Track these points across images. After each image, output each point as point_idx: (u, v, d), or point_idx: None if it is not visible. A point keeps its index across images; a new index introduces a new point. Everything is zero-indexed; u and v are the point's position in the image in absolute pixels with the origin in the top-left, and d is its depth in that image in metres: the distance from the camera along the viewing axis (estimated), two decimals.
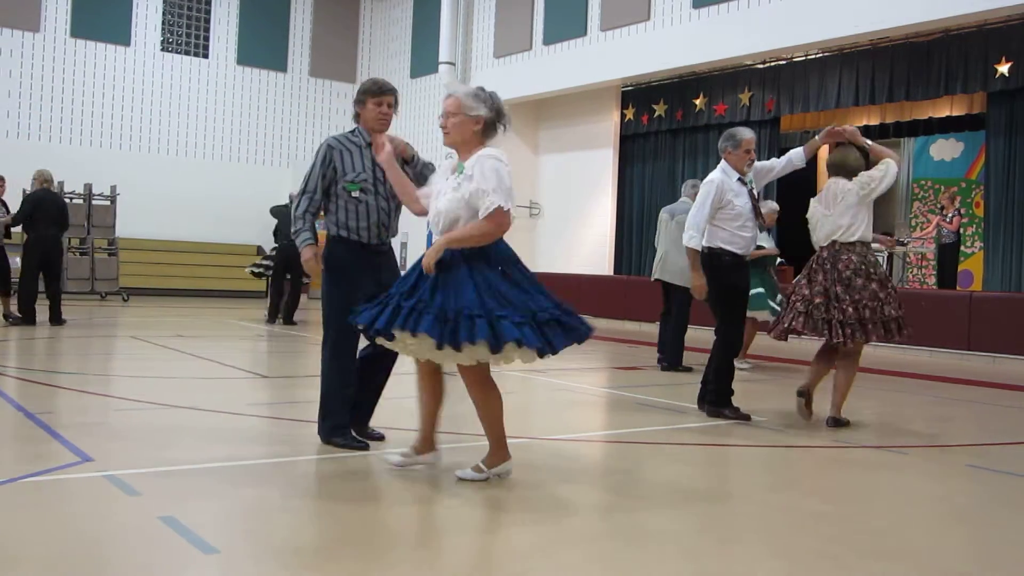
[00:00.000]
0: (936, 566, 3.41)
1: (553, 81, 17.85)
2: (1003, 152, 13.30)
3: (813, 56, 15.03)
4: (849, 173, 6.23)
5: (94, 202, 17.47)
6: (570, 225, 19.14)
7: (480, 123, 4.16)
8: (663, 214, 9.99)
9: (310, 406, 6.39)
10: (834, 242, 6.16)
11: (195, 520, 3.50)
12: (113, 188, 17.78)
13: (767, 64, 15.65)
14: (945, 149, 18.21)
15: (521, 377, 8.96)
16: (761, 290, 9.39)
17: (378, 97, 4.83)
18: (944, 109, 15.93)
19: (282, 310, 13.89)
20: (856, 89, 14.50)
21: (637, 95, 17.89)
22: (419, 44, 21.84)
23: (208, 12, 21.67)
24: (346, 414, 4.91)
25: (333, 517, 3.75)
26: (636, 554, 3.36)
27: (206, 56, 21.72)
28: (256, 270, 15.01)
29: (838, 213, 6.15)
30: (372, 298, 4.31)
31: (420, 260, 4.12)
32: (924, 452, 5.63)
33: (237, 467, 4.50)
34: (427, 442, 4.44)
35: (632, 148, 18.40)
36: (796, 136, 18.40)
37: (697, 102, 16.75)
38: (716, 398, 6.41)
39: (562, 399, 7.62)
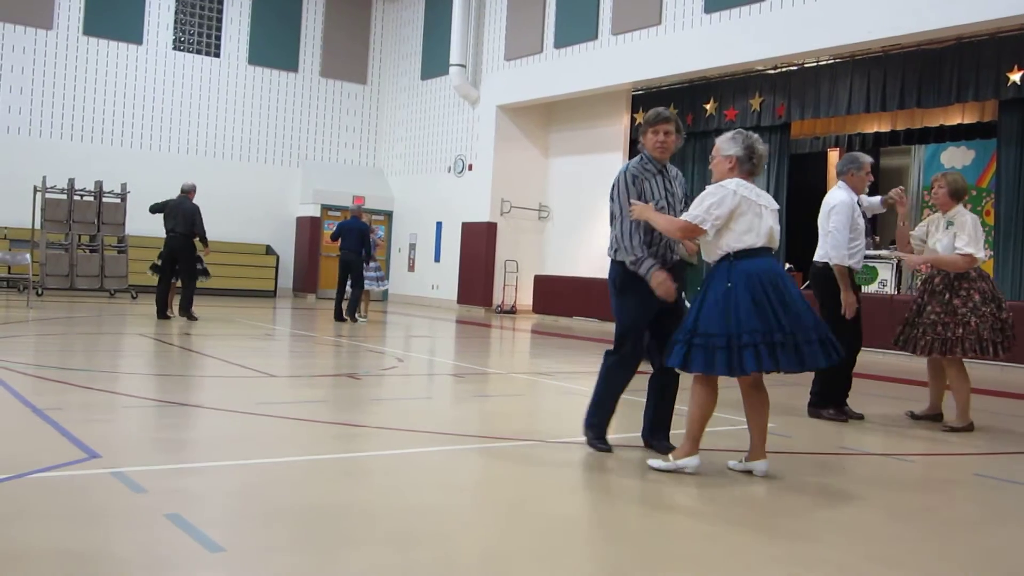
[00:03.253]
0: (939, 575, 3.39)
1: (564, 84, 17.87)
2: (1014, 160, 13.26)
3: (824, 62, 15.02)
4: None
5: (104, 200, 17.53)
6: (579, 228, 19.16)
7: (732, 162, 4.77)
8: None
9: (318, 406, 6.40)
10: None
11: (202, 518, 3.51)
12: (123, 186, 17.84)
13: (778, 70, 15.64)
14: (956, 157, 18.17)
15: (529, 380, 8.97)
16: None
17: (655, 126, 5.14)
18: (955, 117, 15.90)
19: (174, 304, 13.50)
20: (867, 96, 14.48)
21: (647, 99, 17.89)
22: (430, 46, 21.88)
23: (220, 12, 21.73)
24: (606, 419, 5.25)
25: (339, 516, 3.75)
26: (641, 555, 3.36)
27: (218, 55, 21.78)
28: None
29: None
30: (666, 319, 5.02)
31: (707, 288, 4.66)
32: (930, 460, 5.61)
33: (244, 465, 4.50)
34: (756, 451, 4.82)
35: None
36: (806, 142, 18.40)
37: (708, 107, 16.75)
38: (814, 399, 6.89)
39: (570, 403, 7.61)
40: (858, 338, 6.88)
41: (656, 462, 4.75)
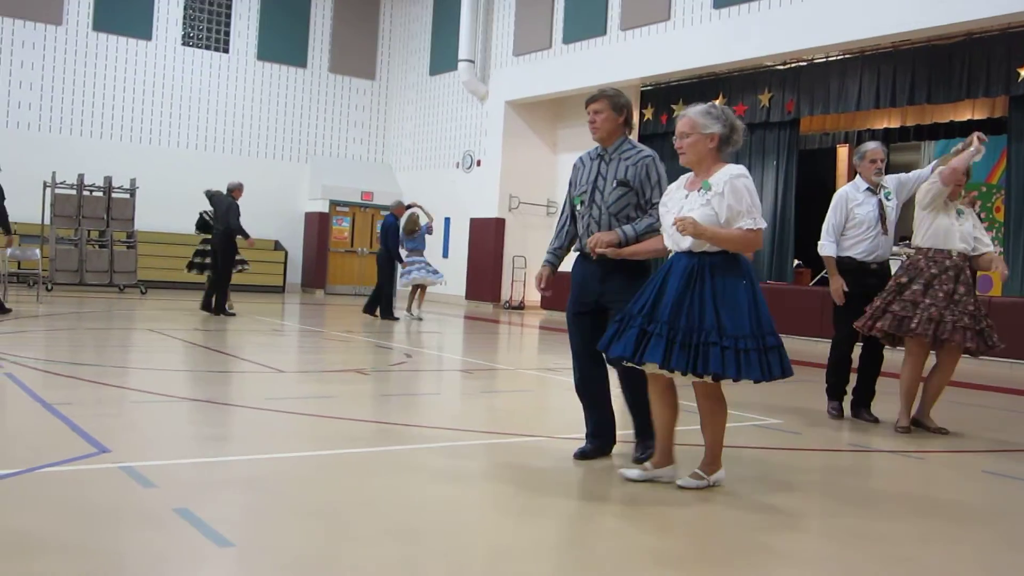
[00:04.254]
0: (948, 572, 3.39)
1: (572, 80, 17.84)
2: None
3: (834, 58, 14.96)
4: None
5: (114, 195, 17.58)
6: None
7: (715, 140, 4.27)
8: None
9: (328, 401, 6.42)
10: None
11: (210, 513, 3.52)
12: (132, 181, 17.89)
13: (787, 65, 15.59)
14: None
15: (537, 376, 8.97)
16: None
17: (586, 107, 4.84)
18: (965, 113, 15.82)
19: (214, 300, 13.53)
20: (877, 91, 14.42)
21: (656, 95, 17.85)
22: (439, 41, 21.87)
23: (229, 7, 21.76)
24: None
25: (347, 511, 3.76)
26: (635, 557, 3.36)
27: (227, 51, 21.81)
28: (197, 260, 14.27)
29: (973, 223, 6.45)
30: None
31: (661, 274, 4.24)
32: (940, 457, 5.60)
33: (253, 461, 4.52)
34: (665, 455, 4.43)
35: (651, 148, 18.29)
36: (816, 138, 18.32)
37: (716, 103, 16.69)
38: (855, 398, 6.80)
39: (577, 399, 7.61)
40: (845, 340, 6.78)
41: (631, 472, 4.44)
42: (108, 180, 17.53)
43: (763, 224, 4.19)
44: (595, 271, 4.74)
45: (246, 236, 13.35)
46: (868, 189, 6.68)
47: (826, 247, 6.68)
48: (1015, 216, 13.32)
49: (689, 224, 4.09)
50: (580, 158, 5.01)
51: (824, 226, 6.73)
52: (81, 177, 17.15)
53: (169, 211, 20.07)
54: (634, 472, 4.43)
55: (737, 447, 5.35)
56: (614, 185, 4.73)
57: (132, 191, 17.77)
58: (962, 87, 13.46)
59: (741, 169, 4.25)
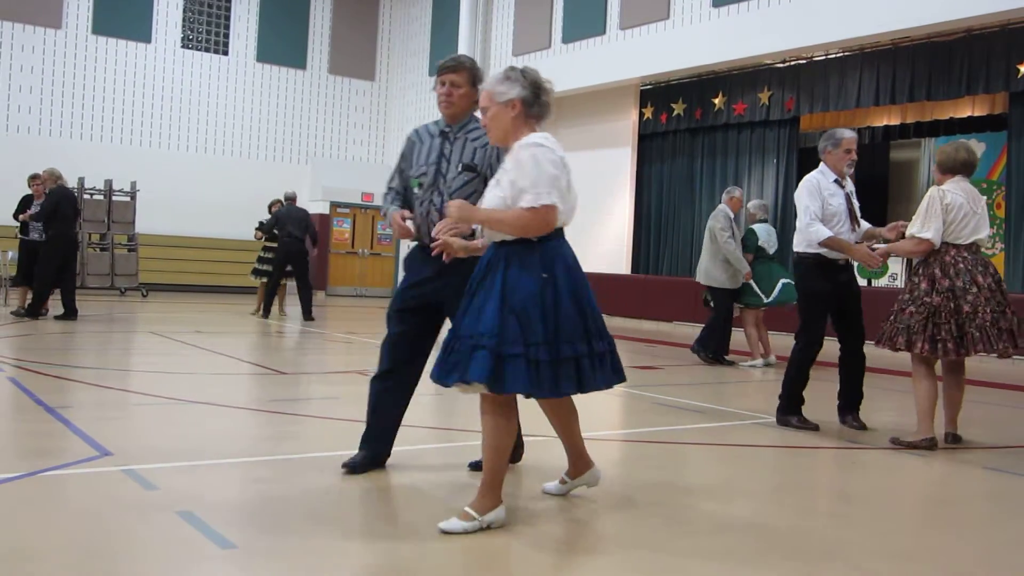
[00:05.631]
0: (951, 569, 3.39)
1: (572, 79, 17.81)
2: None
3: (834, 55, 14.96)
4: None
5: (114, 198, 17.59)
6: (588, 224, 19.10)
7: (516, 107, 3.59)
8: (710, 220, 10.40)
9: (329, 403, 6.42)
10: (975, 244, 5.71)
11: (213, 515, 3.52)
12: (133, 184, 17.89)
13: (787, 63, 15.58)
14: None
15: None
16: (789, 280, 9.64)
17: (440, 76, 4.31)
18: (966, 109, 15.81)
19: (282, 305, 14.38)
20: (877, 89, 14.42)
21: (656, 94, 17.85)
22: (438, 42, 21.86)
23: (228, 9, 21.76)
24: None
25: (351, 512, 3.76)
26: (639, 554, 3.36)
27: (226, 53, 21.80)
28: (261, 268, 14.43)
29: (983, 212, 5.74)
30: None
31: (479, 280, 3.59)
32: (942, 454, 5.59)
33: (255, 463, 4.52)
34: (580, 462, 4.05)
35: (650, 147, 18.37)
36: (816, 136, 18.32)
37: (716, 101, 16.69)
38: (783, 405, 6.23)
39: (578, 398, 7.60)
40: (815, 342, 6.18)
41: (550, 485, 4.12)
42: (108, 183, 17.54)
43: (548, 201, 3.42)
44: (434, 265, 4.06)
45: (316, 243, 14.44)
46: (836, 181, 6.17)
47: (820, 230, 5.98)
48: (1015, 213, 13.32)
49: (454, 207, 3.59)
50: (417, 131, 4.42)
51: (803, 215, 6.09)
52: (82, 180, 17.15)
53: (170, 214, 20.08)
54: (552, 485, 4.13)
55: (753, 446, 5.35)
56: (459, 169, 4.16)
57: (133, 194, 17.77)
58: (962, 84, 13.46)
59: (538, 137, 3.55)
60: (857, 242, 6.19)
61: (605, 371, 3.68)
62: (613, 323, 16.21)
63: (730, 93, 16.47)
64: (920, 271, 5.71)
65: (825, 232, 5.98)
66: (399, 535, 3.50)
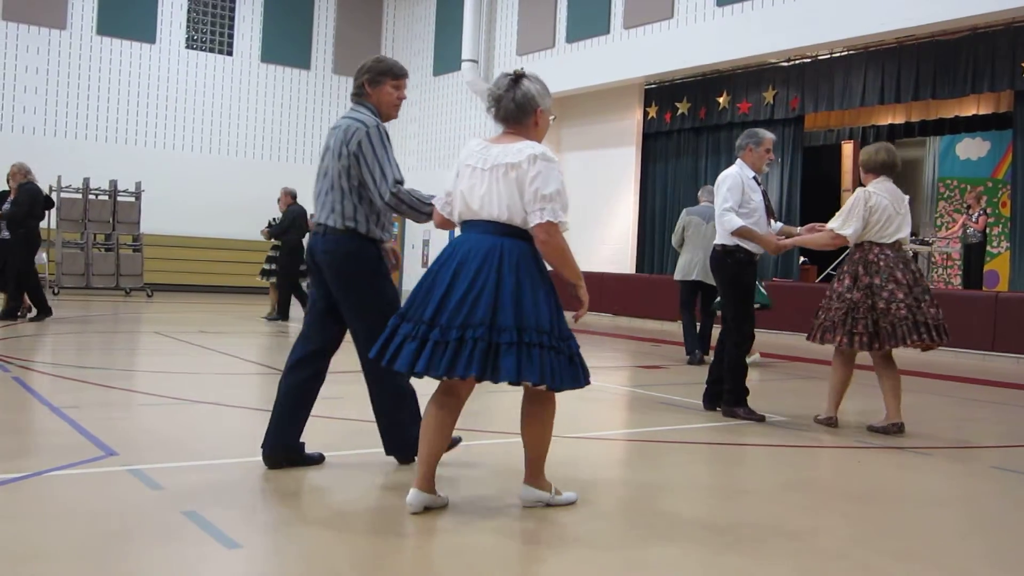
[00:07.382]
0: (957, 568, 3.38)
1: (576, 79, 17.83)
2: None
3: (838, 54, 14.95)
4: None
5: (119, 199, 17.62)
6: (592, 223, 19.11)
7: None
8: (694, 217, 10.15)
9: (336, 403, 6.42)
10: (898, 242, 6.01)
11: (218, 515, 3.52)
12: (138, 185, 17.93)
13: (791, 62, 15.58)
14: (971, 148, 18.05)
15: None
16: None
17: (400, 79, 4.51)
18: (971, 108, 15.80)
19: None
20: (881, 87, 14.40)
21: (660, 93, 17.85)
22: (442, 41, 21.88)
23: (232, 10, 21.79)
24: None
25: (355, 511, 3.76)
26: (640, 554, 3.36)
27: (230, 53, 21.83)
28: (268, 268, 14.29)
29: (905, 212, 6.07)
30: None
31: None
32: (948, 453, 5.59)
33: (260, 463, 4.52)
34: (532, 472, 3.95)
35: (655, 146, 18.36)
36: (820, 134, 18.31)
37: (720, 100, 16.68)
38: (731, 398, 6.40)
39: (582, 396, 7.60)
40: (750, 332, 6.45)
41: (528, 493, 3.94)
42: (113, 184, 17.58)
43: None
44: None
45: None
46: (755, 177, 6.34)
47: (733, 219, 6.12)
48: (1021, 211, 13.29)
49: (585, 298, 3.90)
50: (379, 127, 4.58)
51: (721, 205, 6.19)
52: (87, 181, 17.19)
53: (175, 214, 20.11)
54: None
55: (749, 445, 5.35)
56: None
57: (137, 194, 17.81)
58: (967, 82, 13.44)
59: (550, 151, 3.91)
60: None
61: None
62: (617, 322, 16.22)
63: (734, 92, 16.47)
64: (845, 268, 6.06)
65: (738, 222, 6.17)
66: (405, 533, 3.50)
